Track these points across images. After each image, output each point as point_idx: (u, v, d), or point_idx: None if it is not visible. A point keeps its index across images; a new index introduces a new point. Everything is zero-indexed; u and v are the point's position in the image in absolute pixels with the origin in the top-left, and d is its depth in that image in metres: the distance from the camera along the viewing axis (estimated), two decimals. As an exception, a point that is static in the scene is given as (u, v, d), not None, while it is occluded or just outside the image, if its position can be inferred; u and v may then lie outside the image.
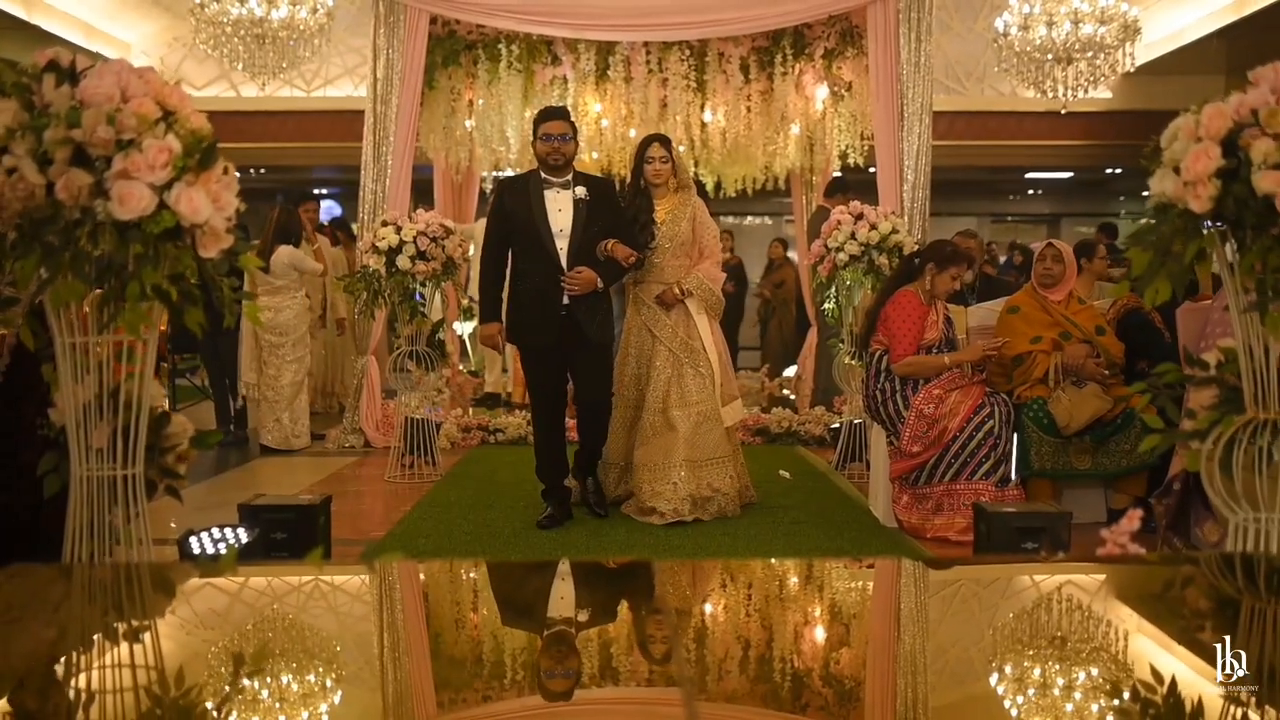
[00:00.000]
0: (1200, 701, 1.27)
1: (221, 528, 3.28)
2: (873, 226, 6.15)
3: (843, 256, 6.16)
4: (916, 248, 6.07)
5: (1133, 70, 9.03)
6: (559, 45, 7.92)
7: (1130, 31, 8.73)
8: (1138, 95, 11.34)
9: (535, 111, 8.33)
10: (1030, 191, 18.42)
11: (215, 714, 1.20)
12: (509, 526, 5.10)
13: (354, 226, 8.72)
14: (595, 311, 4.95)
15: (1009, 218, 18.80)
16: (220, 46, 8.46)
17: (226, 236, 2.34)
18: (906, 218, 7.12)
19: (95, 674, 1.34)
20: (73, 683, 1.31)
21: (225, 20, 8.34)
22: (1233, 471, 2.60)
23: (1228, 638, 1.30)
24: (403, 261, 5.98)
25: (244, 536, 3.24)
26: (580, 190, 4.93)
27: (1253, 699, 1.26)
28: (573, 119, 5.21)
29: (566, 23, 7.52)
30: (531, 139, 5.11)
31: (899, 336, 4.99)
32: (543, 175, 4.95)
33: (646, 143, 5.36)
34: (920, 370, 4.99)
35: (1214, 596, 1.85)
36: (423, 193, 9.16)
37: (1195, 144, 2.38)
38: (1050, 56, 8.90)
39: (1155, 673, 1.39)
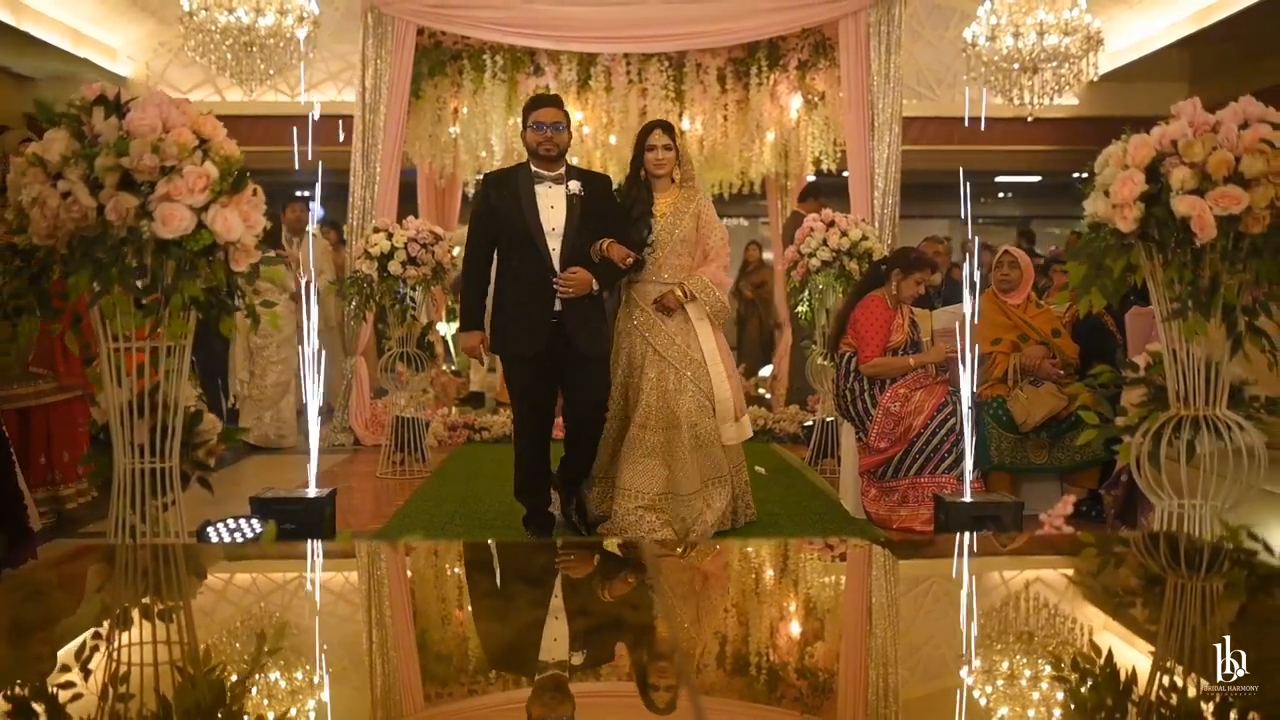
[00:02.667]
0: (1120, 662, 1.50)
1: (236, 518, 3.52)
2: (844, 233, 6.44)
3: (815, 262, 6.45)
4: (886, 253, 6.37)
5: (1097, 79, 9.34)
6: (542, 56, 8.18)
7: (1093, 42, 9.02)
8: (1104, 102, 11.66)
9: (519, 117, 8.62)
10: (1000, 195, 18.81)
11: (280, 663, 1.46)
12: (499, 520, 5.34)
13: (344, 229, 8.92)
14: (587, 319, 4.55)
15: (979, 220, 19.22)
16: (209, 53, 8.65)
17: (255, 252, 2.60)
18: (877, 223, 7.43)
19: (178, 637, 1.60)
20: (153, 642, 1.56)
21: (214, 28, 8.52)
22: (1159, 462, 2.90)
23: (1227, 638, 1.37)
24: (394, 267, 6.23)
25: (258, 526, 3.48)
26: (574, 185, 4.52)
27: (1179, 667, 1.47)
28: (566, 107, 4.72)
29: (549, 35, 7.78)
30: (521, 128, 4.69)
31: (866, 340, 5.27)
32: (533, 169, 4.53)
33: (648, 129, 4.86)
34: (887, 371, 5.28)
35: (1142, 573, 2.13)
36: (405, 196, 9.40)
37: (1122, 171, 2.68)
38: (1017, 66, 9.19)
39: (1082, 633, 1.66)
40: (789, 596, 2.00)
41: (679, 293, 4.74)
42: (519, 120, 8.51)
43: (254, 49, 8.59)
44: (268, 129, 11.91)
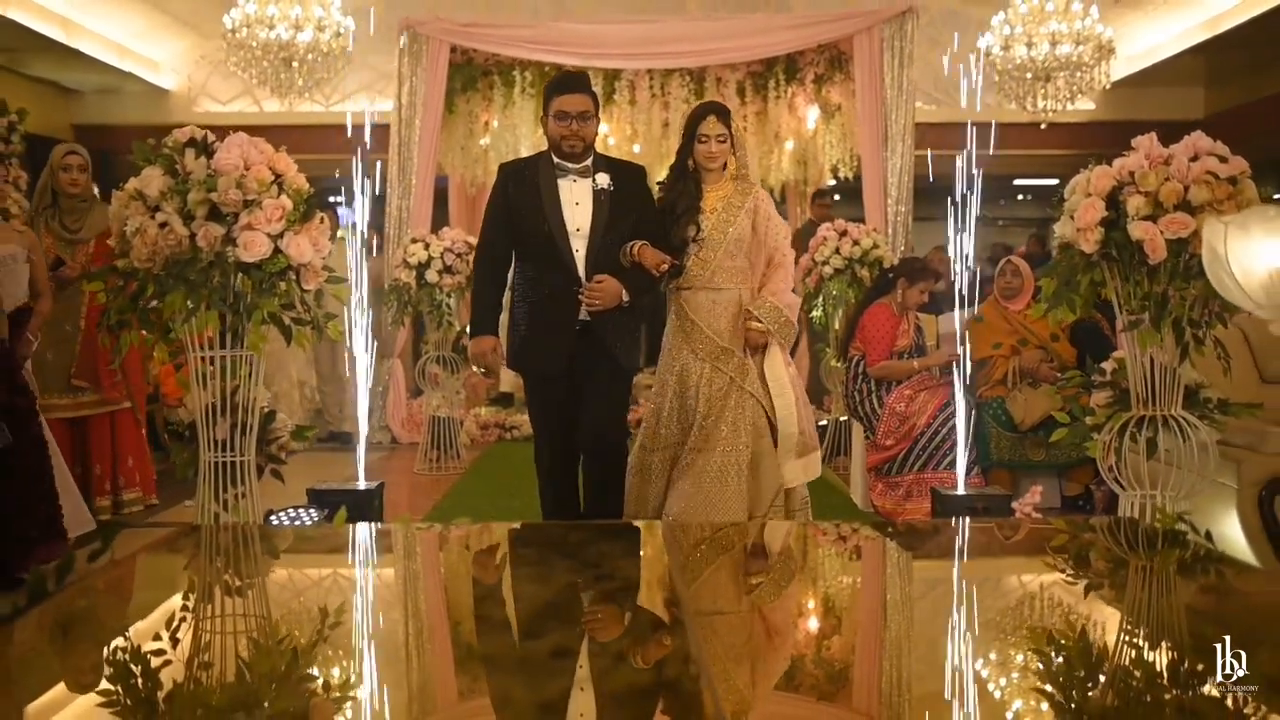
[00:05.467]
0: (1084, 630, 1.84)
1: (295, 508, 3.90)
2: (855, 242, 6.78)
3: (828, 269, 6.79)
4: (896, 260, 6.71)
5: (1109, 86, 9.59)
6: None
7: (1105, 51, 9.28)
8: (1119, 106, 11.83)
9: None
10: (1019, 197, 19.05)
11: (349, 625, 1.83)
12: (533, 513, 5.69)
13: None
14: (621, 330, 3.95)
15: (999, 221, 19.45)
16: (249, 68, 9.06)
17: (323, 272, 2.97)
18: (890, 229, 7.76)
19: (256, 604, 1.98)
20: (247, 605, 1.95)
21: (254, 44, 8.93)
22: (1124, 457, 3.23)
23: (1228, 637, 1.49)
24: (431, 275, 6.62)
25: (315, 515, 3.86)
26: (603, 179, 3.89)
27: (1143, 638, 1.79)
28: (595, 90, 4.05)
29: (576, 52, 8.15)
30: (542, 115, 4.08)
31: (874, 344, 5.62)
32: (555, 159, 3.91)
33: (700, 115, 4.10)
34: (893, 373, 5.62)
35: (1107, 555, 2.48)
36: (437, 203, 9.77)
37: (1086, 198, 3.01)
38: (1030, 74, 9.46)
39: (1048, 599, 2.03)
40: (801, 573, 2.37)
41: (756, 325, 4.05)
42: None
43: (293, 64, 9.01)
44: (303, 137, 12.36)
